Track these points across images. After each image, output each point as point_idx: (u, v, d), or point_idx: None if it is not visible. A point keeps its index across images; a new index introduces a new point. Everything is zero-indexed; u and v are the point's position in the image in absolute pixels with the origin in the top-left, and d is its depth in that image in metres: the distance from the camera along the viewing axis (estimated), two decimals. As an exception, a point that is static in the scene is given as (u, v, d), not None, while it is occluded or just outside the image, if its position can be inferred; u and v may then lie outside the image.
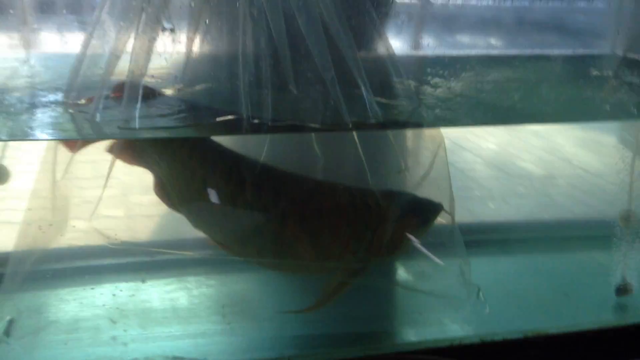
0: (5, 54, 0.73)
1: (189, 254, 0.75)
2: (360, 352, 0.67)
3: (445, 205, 0.73)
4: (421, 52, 0.81)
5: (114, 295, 0.72)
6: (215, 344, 0.67)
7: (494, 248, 0.94)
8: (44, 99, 0.61)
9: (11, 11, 0.69)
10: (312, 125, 0.60)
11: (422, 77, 0.75)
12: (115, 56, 0.58)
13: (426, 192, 0.72)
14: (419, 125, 0.70)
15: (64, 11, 0.68)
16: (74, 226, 0.65)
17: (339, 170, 0.70)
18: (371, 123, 0.61)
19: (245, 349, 0.67)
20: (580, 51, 0.95)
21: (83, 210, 0.66)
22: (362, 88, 0.62)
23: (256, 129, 0.59)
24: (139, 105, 0.56)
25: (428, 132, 0.74)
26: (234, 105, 0.59)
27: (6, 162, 0.68)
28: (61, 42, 0.69)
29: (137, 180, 0.74)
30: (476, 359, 0.70)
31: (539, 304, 0.79)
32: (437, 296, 0.74)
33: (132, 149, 0.70)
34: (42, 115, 0.58)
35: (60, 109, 0.59)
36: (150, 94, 0.60)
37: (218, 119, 0.60)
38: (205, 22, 0.61)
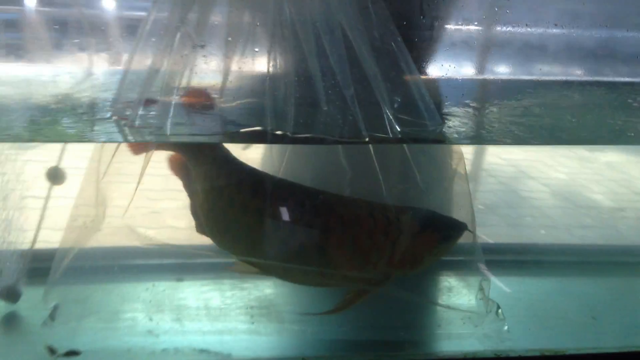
0: (73, 69, 0.82)
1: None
2: (373, 357, 0.70)
3: (466, 222, 0.75)
4: (470, 75, 0.85)
5: (152, 292, 0.78)
6: (240, 341, 0.72)
7: (531, 269, 0.94)
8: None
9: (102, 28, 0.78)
10: (331, 138, 0.64)
11: (471, 100, 0.78)
12: (153, 71, 0.64)
13: (446, 208, 0.74)
14: (438, 141, 0.72)
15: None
16: (109, 222, 0.71)
17: (363, 183, 0.74)
18: (388, 138, 0.64)
19: (266, 347, 0.71)
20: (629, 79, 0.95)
21: (122, 209, 0.72)
22: (382, 105, 0.66)
23: (279, 140, 0.64)
24: (171, 113, 0.62)
25: (448, 149, 0.76)
26: (261, 118, 0.65)
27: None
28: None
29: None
30: (491, 374, 0.72)
31: (567, 325, 0.79)
32: (456, 310, 0.76)
33: (181, 165, 0.77)
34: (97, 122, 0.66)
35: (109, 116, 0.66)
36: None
37: (245, 130, 0.65)
38: (229, 39, 0.66)
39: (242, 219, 0.72)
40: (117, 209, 0.70)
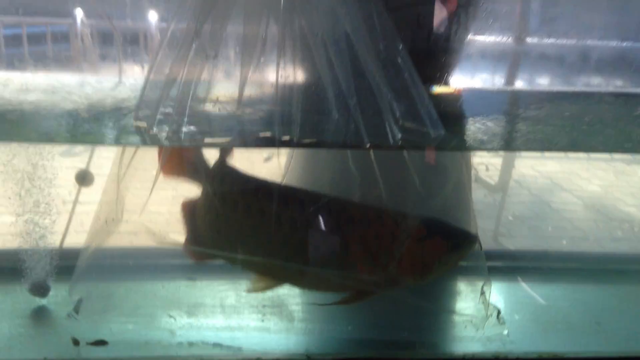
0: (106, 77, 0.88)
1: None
2: (375, 355, 0.73)
3: (467, 226, 0.77)
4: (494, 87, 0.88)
5: (170, 289, 0.83)
6: (250, 337, 0.76)
7: (538, 275, 0.96)
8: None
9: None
10: (334, 143, 0.68)
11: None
12: (170, 80, 0.69)
13: (447, 214, 0.77)
14: (440, 148, 0.75)
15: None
16: (127, 221, 0.76)
17: (372, 188, 0.77)
18: (389, 144, 0.67)
19: (274, 343, 0.75)
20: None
21: (138, 208, 0.77)
22: (385, 113, 0.69)
23: (286, 144, 0.68)
24: (185, 119, 0.67)
25: (451, 156, 0.78)
26: (271, 124, 0.69)
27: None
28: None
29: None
30: (488, 374, 0.74)
31: (570, 330, 0.81)
32: (458, 315, 0.78)
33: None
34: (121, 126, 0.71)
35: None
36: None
37: (254, 135, 0.69)
38: (236, 50, 0.70)
39: (258, 229, 0.75)
40: (136, 210, 0.75)
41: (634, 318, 0.85)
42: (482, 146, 0.74)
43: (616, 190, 2.12)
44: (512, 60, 0.93)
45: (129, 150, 0.74)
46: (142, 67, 0.86)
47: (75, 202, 0.87)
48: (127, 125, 0.71)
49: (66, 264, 0.80)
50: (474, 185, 1.76)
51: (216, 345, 0.75)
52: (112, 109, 0.77)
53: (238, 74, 0.73)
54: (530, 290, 0.90)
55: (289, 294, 0.83)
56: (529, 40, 0.92)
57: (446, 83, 0.88)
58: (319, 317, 0.79)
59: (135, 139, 0.70)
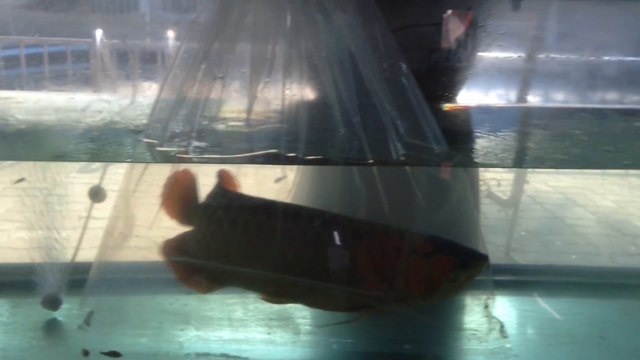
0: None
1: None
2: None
3: (473, 243, 0.77)
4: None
5: (179, 303, 0.85)
6: (256, 350, 0.78)
7: (542, 289, 0.97)
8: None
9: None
10: (339, 159, 0.70)
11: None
12: (180, 99, 0.71)
13: (452, 231, 0.78)
14: (444, 165, 0.76)
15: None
16: (137, 236, 0.78)
17: (378, 203, 0.78)
18: (392, 160, 0.69)
19: (280, 356, 0.76)
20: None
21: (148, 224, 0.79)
22: (388, 130, 0.71)
23: (292, 161, 0.70)
24: (194, 137, 0.69)
25: (453, 172, 0.79)
26: (277, 141, 0.71)
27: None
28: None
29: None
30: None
31: (573, 344, 0.82)
32: (462, 328, 0.79)
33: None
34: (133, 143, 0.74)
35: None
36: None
37: (260, 152, 0.71)
38: (242, 71, 0.72)
39: (268, 249, 0.75)
40: (146, 225, 0.77)
41: (638, 332, 0.85)
42: (485, 162, 0.75)
43: (630, 205, 2.11)
44: (513, 78, 0.94)
45: (139, 167, 0.76)
46: (156, 86, 0.89)
47: (88, 217, 0.89)
48: (138, 142, 0.73)
49: (77, 277, 0.83)
50: (485, 200, 1.77)
51: (223, 356, 0.76)
52: (125, 127, 0.80)
53: (246, 92, 0.75)
54: (545, 306, 0.91)
55: (296, 307, 0.85)
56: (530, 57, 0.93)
57: (450, 100, 0.90)
58: (324, 331, 0.80)
59: (146, 156, 0.72)
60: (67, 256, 0.86)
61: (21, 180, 0.81)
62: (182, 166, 0.76)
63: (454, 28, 0.85)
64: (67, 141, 0.74)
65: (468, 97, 0.92)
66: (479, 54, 0.88)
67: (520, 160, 0.80)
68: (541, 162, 0.80)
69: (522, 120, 0.98)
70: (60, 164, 0.82)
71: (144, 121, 0.78)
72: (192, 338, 0.79)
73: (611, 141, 0.81)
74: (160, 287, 0.85)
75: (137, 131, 0.77)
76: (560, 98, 1.05)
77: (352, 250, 0.74)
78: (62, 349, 0.78)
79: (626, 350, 0.81)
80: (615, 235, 1.98)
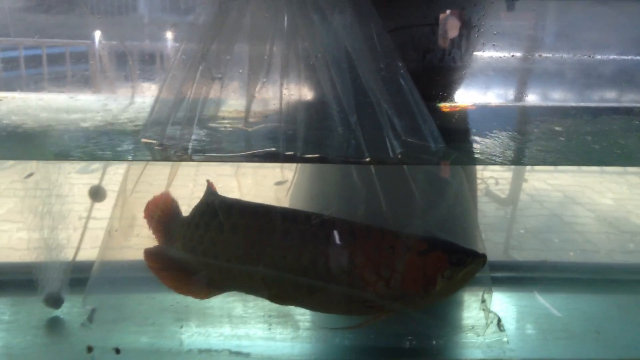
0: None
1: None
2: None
3: (471, 240, 0.79)
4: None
5: (182, 301, 0.85)
6: (256, 345, 0.79)
7: (540, 285, 0.98)
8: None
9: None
10: (336, 158, 0.71)
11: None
12: (179, 99, 0.72)
13: (449, 228, 0.79)
14: (440, 162, 0.77)
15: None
16: (137, 235, 0.79)
17: (376, 201, 0.79)
18: (389, 159, 0.70)
19: (280, 352, 0.78)
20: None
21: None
22: (385, 129, 0.72)
23: (290, 160, 0.71)
24: (193, 136, 0.70)
25: (451, 170, 0.80)
26: (275, 140, 0.72)
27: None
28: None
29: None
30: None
31: (569, 338, 0.83)
32: (459, 322, 0.81)
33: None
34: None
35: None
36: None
37: (260, 150, 0.72)
38: (240, 71, 0.74)
39: (266, 251, 0.76)
40: (146, 225, 0.78)
41: (634, 326, 0.87)
42: (480, 161, 0.76)
43: (629, 203, 2.13)
44: (509, 77, 0.96)
45: (138, 166, 0.77)
46: (155, 86, 0.90)
47: (89, 217, 0.90)
48: (137, 142, 0.74)
49: (79, 276, 0.84)
50: (484, 199, 1.78)
51: (223, 352, 0.77)
52: (124, 127, 0.81)
53: (244, 92, 0.76)
54: (544, 302, 0.92)
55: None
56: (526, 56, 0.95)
57: (448, 99, 0.91)
58: (323, 325, 0.82)
59: (145, 155, 0.73)
60: (68, 255, 0.87)
61: (30, 175, 0.82)
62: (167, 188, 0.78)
63: (449, 28, 0.86)
64: (66, 141, 0.75)
65: (464, 96, 0.93)
66: (474, 53, 0.89)
67: (517, 158, 0.81)
68: (536, 160, 0.81)
69: (517, 118, 0.99)
70: (59, 164, 0.83)
71: (143, 121, 0.79)
72: (193, 335, 0.81)
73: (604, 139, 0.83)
74: (160, 285, 0.86)
75: (136, 131, 0.78)
76: (555, 97, 1.06)
77: (347, 250, 0.75)
78: (64, 346, 0.80)
79: (622, 345, 0.82)
80: (613, 233, 1.99)
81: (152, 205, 0.79)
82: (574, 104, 1.02)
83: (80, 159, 0.73)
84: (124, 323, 0.82)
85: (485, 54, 0.88)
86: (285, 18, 0.72)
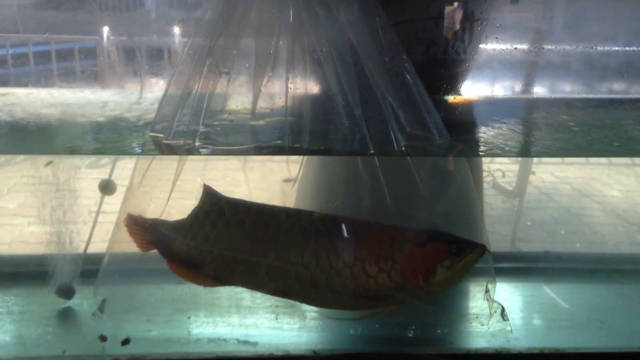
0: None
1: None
2: (380, 350, 0.76)
3: (476, 232, 0.79)
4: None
5: (190, 292, 0.87)
6: (264, 335, 0.80)
7: (545, 275, 0.99)
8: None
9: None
10: (342, 150, 0.72)
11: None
12: (186, 94, 0.74)
13: (454, 220, 0.80)
14: (443, 154, 0.78)
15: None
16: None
17: (381, 193, 0.80)
18: (393, 150, 0.71)
19: (287, 341, 0.79)
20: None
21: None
22: (390, 122, 0.73)
23: (296, 151, 0.72)
24: (199, 130, 0.71)
25: (455, 162, 0.81)
26: (281, 134, 0.73)
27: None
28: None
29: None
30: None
31: (573, 327, 0.84)
32: (463, 312, 0.82)
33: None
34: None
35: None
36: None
37: (267, 143, 0.73)
38: (246, 66, 0.75)
39: (270, 246, 0.77)
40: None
41: (637, 316, 0.88)
42: (485, 153, 0.77)
43: (637, 195, 2.13)
44: (514, 70, 0.96)
45: (146, 160, 0.79)
46: (163, 81, 0.91)
47: (99, 210, 0.92)
48: (146, 136, 0.76)
49: (90, 268, 0.86)
50: (491, 191, 1.79)
51: (232, 341, 0.79)
52: (133, 122, 0.82)
53: (251, 87, 0.77)
54: (550, 292, 0.93)
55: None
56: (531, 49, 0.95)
57: (452, 92, 0.92)
58: (329, 315, 0.83)
59: (153, 149, 0.75)
60: (79, 248, 0.89)
61: (50, 163, 0.84)
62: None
63: (453, 21, 0.87)
64: (76, 136, 0.77)
65: (470, 89, 0.94)
66: (478, 46, 0.90)
67: (523, 150, 0.82)
68: (541, 152, 0.82)
69: (523, 110, 1.00)
70: (70, 159, 0.85)
71: (151, 116, 0.80)
72: (201, 324, 0.82)
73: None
74: (170, 276, 0.87)
75: (144, 126, 0.79)
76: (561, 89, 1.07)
77: (348, 244, 0.76)
78: (76, 335, 0.81)
79: (625, 334, 0.83)
80: (621, 224, 1.99)
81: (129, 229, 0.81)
82: (578, 96, 1.03)
83: (90, 153, 0.75)
84: (134, 313, 0.83)
85: (488, 46, 0.89)
86: (291, 13, 0.74)
